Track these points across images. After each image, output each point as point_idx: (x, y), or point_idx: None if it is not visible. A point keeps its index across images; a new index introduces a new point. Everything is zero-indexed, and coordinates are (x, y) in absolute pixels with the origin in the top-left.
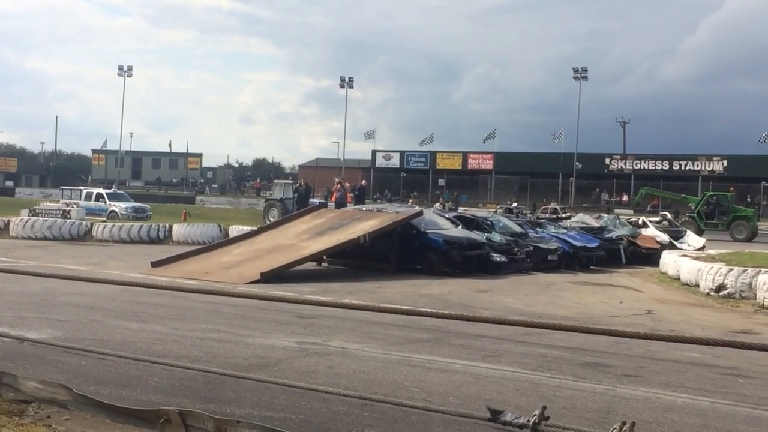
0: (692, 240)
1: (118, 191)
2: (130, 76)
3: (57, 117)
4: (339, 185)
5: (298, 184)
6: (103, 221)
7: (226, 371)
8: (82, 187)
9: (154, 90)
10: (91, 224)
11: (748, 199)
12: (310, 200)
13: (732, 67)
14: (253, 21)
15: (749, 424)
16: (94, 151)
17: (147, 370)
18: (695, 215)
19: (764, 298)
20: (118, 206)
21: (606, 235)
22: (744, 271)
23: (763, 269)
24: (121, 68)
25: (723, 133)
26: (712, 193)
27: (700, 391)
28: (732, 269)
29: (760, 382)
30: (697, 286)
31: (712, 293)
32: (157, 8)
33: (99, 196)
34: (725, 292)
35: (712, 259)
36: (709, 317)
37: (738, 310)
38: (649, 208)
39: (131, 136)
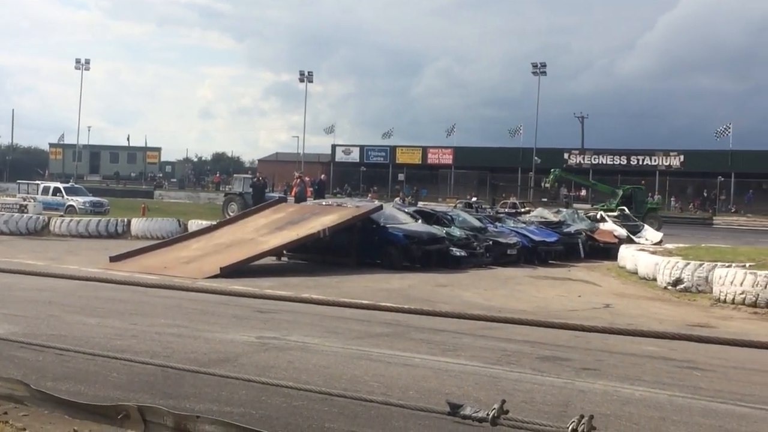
0: (650, 234)
1: (76, 185)
2: (87, 69)
3: (13, 110)
4: (299, 179)
5: (255, 179)
6: (61, 216)
7: (185, 366)
8: (39, 182)
9: (113, 83)
10: (49, 219)
11: (705, 194)
12: (269, 195)
13: (689, 62)
14: (211, 14)
15: (706, 416)
16: (51, 145)
17: (106, 366)
18: (614, 206)
19: (720, 291)
20: (76, 200)
21: (565, 230)
22: (700, 265)
23: (719, 263)
24: (78, 61)
25: (680, 129)
26: (628, 186)
27: (657, 384)
28: (689, 263)
29: (716, 375)
30: (655, 280)
31: (670, 287)
32: (114, 1)
33: (56, 191)
34: (682, 285)
35: (669, 253)
36: (666, 311)
37: (695, 304)
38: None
39: (89, 130)
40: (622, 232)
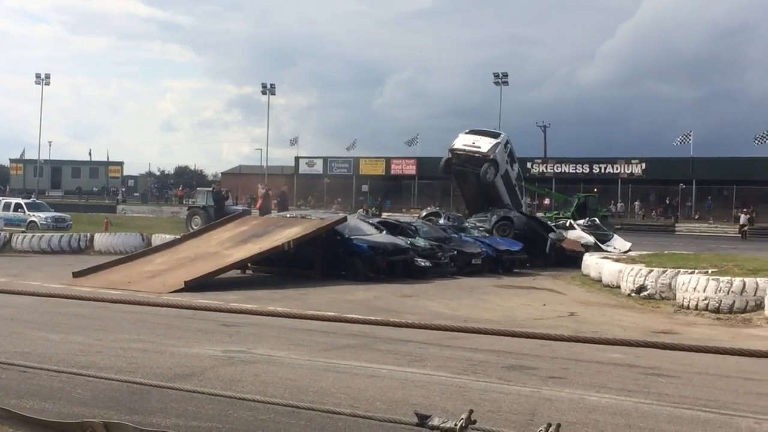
0: (618, 243)
1: (38, 201)
2: (48, 84)
3: None
4: (265, 192)
5: (216, 191)
6: (23, 232)
7: (150, 381)
8: None
9: (73, 98)
10: (10, 235)
11: (667, 201)
12: (232, 207)
13: (648, 70)
14: (172, 27)
15: (671, 422)
16: (12, 161)
17: (70, 382)
18: (570, 215)
19: (683, 298)
20: (38, 216)
21: None
22: (664, 272)
23: (682, 270)
24: (38, 76)
25: (641, 136)
26: (582, 194)
27: (623, 391)
28: (652, 270)
29: (681, 382)
30: (619, 287)
31: (633, 294)
32: (75, 15)
33: (18, 206)
34: (646, 293)
35: (633, 260)
36: (630, 318)
37: (658, 311)
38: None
39: (50, 145)
40: (589, 239)
